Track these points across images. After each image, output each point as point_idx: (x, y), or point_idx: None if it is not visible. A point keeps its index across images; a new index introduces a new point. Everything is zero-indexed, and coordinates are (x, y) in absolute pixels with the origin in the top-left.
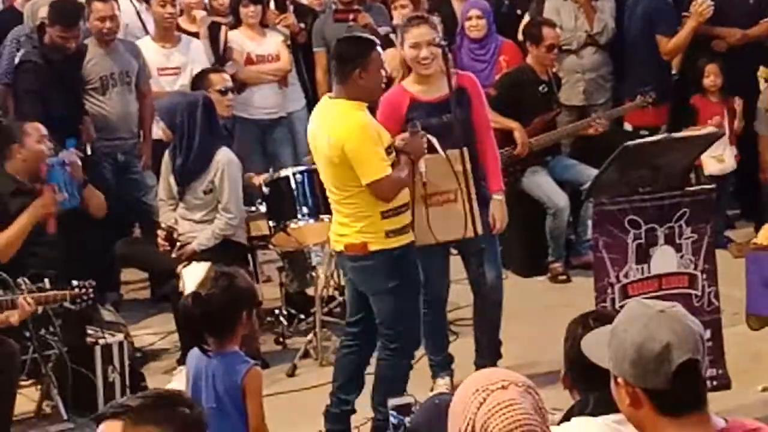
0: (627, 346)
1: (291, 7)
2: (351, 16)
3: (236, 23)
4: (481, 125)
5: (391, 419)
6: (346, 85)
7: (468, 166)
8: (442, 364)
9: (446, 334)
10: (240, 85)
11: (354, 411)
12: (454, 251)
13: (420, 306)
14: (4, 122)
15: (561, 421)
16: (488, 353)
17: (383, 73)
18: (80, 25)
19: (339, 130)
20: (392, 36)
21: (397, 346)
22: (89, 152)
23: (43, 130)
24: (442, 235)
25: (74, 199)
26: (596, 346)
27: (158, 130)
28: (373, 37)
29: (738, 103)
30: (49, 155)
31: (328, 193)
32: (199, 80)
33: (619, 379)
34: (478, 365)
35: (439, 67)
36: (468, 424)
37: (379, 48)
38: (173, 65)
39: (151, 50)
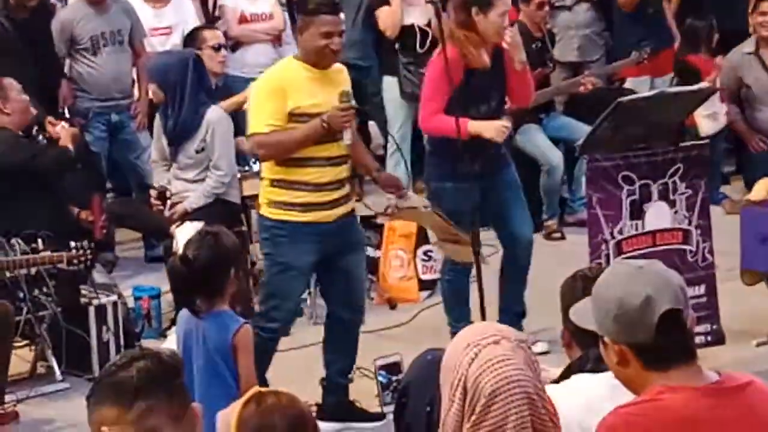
0: (609, 302)
1: None
2: None
3: None
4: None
5: (379, 378)
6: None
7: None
8: None
9: (467, 306)
10: (233, 44)
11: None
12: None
13: (286, 291)
14: None
15: (560, 378)
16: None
17: (324, 42)
18: None
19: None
20: None
21: (260, 312)
22: (66, 114)
23: (17, 85)
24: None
25: None
26: (583, 311)
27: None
28: (330, 2)
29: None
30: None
31: None
32: (192, 38)
33: (606, 339)
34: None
35: None
36: (459, 380)
37: (330, 16)
38: (164, 25)
39: (141, 10)
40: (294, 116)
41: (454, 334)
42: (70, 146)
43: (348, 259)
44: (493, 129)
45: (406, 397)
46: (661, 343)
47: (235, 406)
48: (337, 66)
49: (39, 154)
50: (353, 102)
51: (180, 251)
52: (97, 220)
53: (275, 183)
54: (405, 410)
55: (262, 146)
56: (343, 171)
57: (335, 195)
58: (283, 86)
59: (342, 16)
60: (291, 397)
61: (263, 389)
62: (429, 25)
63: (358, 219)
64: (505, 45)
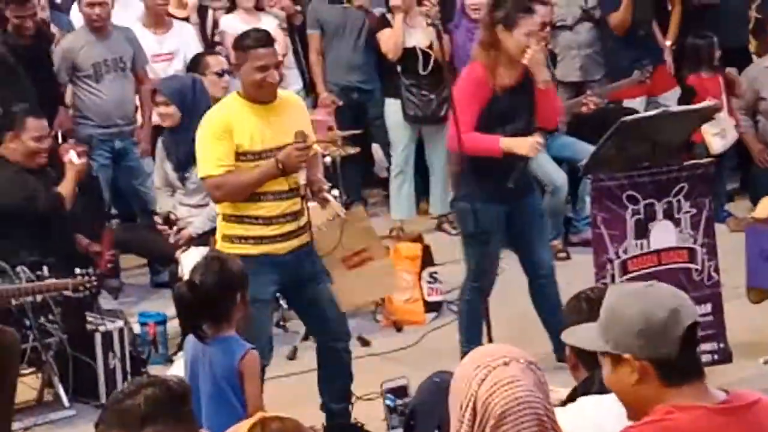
0: (632, 318)
1: None
2: None
3: (231, 7)
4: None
5: (387, 402)
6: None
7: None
8: None
9: (481, 328)
10: (235, 68)
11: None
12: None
13: (253, 326)
14: (14, 109)
15: (566, 401)
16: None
17: (260, 75)
18: (34, 2)
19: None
20: (388, 16)
21: None
22: (60, 140)
23: (44, 130)
24: (368, 296)
25: None
26: (583, 332)
27: (156, 116)
28: (264, 37)
29: (731, 71)
30: (43, 154)
31: None
32: (196, 63)
33: (626, 356)
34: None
35: None
36: (469, 400)
37: (265, 49)
38: (166, 51)
39: (143, 37)
40: (237, 155)
41: (464, 354)
42: (72, 184)
43: (311, 290)
44: (527, 145)
45: (414, 420)
46: (683, 358)
47: (240, 429)
48: (287, 96)
49: (33, 199)
50: (308, 141)
51: (186, 277)
52: (104, 254)
53: (228, 218)
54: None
55: (217, 188)
56: (295, 203)
57: (288, 227)
58: (229, 126)
59: (277, 47)
60: (295, 422)
61: (267, 414)
62: (431, 47)
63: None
64: (524, 62)
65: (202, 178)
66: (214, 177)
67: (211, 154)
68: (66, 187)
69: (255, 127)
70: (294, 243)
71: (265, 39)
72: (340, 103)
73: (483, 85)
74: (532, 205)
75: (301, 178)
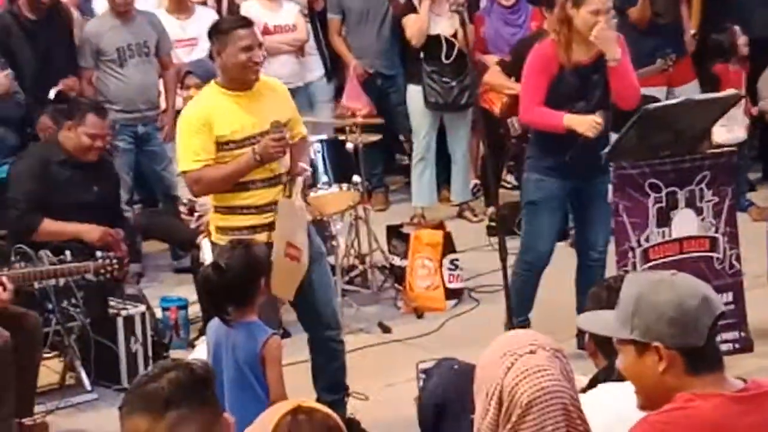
0: (663, 306)
1: None
2: None
3: None
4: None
5: (421, 382)
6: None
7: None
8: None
9: (529, 304)
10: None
11: None
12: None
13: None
14: (83, 100)
15: (587, 388)
16: None
17: (245, 56)
18: None
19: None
20: (414, 1)
21: None
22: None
23: (103, 129)
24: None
25: None
26: (601, 320)
27: (181, 100)
28: (241, 18)
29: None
30: (95, 152)
31: None
32: None
33: (655, 344)
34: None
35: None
36: (496, 388)
37: (244, 29)
38: (189, 36)
39: (166, 22)
40: (220, 144)
41: (509, 327)
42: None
43: (308, 276)
44: (585, 123)
45: (443, 412)
46: (709, 346)
47: (274, 415)
48: (269, 81)
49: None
50: (285, 131)
51: (211, 260)
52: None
53: (220, 209)
54: (443, 421)
55: (195, 183)
56: (276, 193)
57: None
58: (208, 118)
59: (255, 29)
60: (327, 412)
61: (303, 402)
62: (455, 35)
63: (314, 230)
64: (592, 39)
65: (181, 173)
66: (191, 172)
67: (188, 149)
68: None
69: (235, 115)
70: None
71: (243, 20)
72: (371, 71)
73: (551, 61)
74: (598, 187)
75: (282, 166)
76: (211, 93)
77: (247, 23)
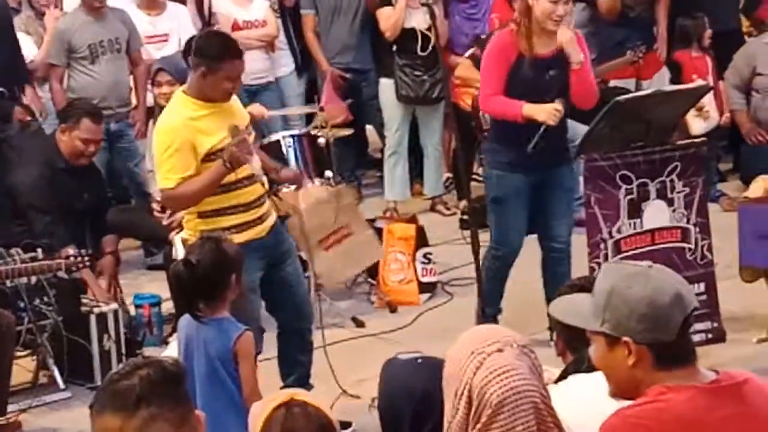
0: (634, 302)
1: None
2: None
3: None
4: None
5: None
6: (191, 77)
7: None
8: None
9: (499, 296)
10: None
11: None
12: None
13: (245, 311)
14: (81, 101)
15: (557, 380)
16: None
17: (231, 85)
18: None
19: (156, 126)
20: None
21: None
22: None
23: (96, 135)
24: (354, 268)
25: None
26: (570, 307)
27: (151, 97)
28: (237, 45)
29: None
30: (86, 158)
31: None
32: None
33: (625, 339)
34: None
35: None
36: (465, 387)
37: (240, 60)
38: (160, 32)
39: (136, 18)
40: (209, 155)
41: (481, 319)
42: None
43: (284, 269)
44: (545, 111)
45: (424, 409)
46: (680, 342)
47: (266, 407)
48: None
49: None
50: (245, 133)
51: (182, 256)
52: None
53: (204, 214)
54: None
55: (171, 200)
56: (260, 188)
57: (262, 210)
58: (188, 135)
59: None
60: (319, 405)
61: (296, 396)
62: (429, 29)
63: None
64: (559, 39)
65: (160, 189)
66: (166, 190)
67: (162, 167)
68: None
69: (213, 125)
70: (269, 222)
71: (239, 49)
72: (347, 76)
73: (507, 48)
74: (560, 177)
75: (255, 167)
76: (185, 105)
77: (239, 54)
